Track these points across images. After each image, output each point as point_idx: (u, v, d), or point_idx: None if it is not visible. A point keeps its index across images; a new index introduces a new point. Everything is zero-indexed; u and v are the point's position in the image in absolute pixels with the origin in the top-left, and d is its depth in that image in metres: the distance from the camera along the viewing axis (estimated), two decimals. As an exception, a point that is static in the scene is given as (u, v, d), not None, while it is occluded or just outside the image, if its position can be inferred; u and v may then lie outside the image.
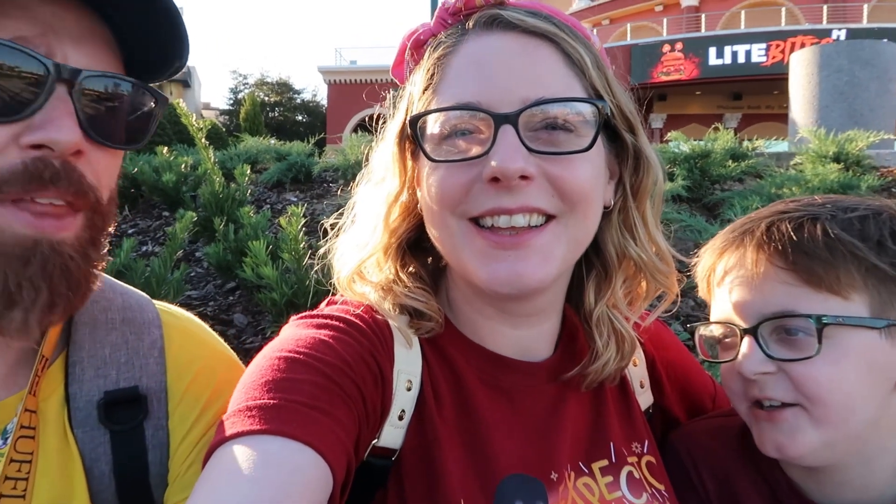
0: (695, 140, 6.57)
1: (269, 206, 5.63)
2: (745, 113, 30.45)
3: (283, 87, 45.45)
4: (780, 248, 0.99)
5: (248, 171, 4.93)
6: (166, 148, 6.22)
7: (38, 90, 0.74)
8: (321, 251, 1.08)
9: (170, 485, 0.95)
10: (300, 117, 44.45)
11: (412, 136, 0.95)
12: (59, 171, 0.76)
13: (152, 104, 0.89)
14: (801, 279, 0.97)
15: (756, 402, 1.01)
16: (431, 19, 1.00)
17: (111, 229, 0.90)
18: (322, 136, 8.17)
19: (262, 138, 8.08)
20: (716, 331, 1.08)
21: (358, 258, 1.01)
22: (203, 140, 4.39)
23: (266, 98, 43.36)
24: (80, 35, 0.80)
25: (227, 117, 40.53)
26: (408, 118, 0.96)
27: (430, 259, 1.07)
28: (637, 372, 1.15)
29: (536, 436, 0.98)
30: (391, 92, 1.06)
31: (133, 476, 0.92)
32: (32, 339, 0.81)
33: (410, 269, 1.03)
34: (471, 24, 0.94)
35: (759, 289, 1.01)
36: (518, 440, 0.97)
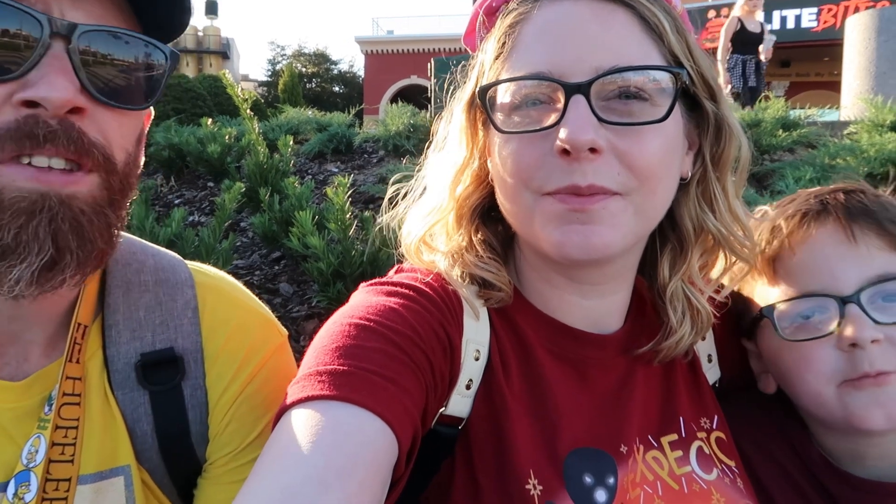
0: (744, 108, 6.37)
1: (311, 176, 5.66)
2: (793, 81, 29.36)
3: (321, 58, 45.50)
4: (869, 215, 1.01)
5: (291, 142, 4.96)
6: (210, 120, 6.29)
7: (33, 47, 0.72)
8: (383, 219, 1.08)
9: (210, 441, 0.97)
10: (337, 88, 44.53)
11: (482, 106, 0.93)
12: (55, 130, 0.73)
13: (161, 60, 0.85)
14: (893, 245, 0.99)
15: (851, 379, 0.98)
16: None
17: (133, 193, 0.88)
18: (361, 107, 8.15)
19: (302, 109, 8.10)
20: (805, 305, 1.02)
21: (425, 224, 1.01)
22: (248, 111, 4.42)
23: (304, 69, 43.48)
24: None
25: (265, 89, 40.81)
26: (477, 88, 0.94)
27: (499, 228, 1.06)
28: (705, 346, 1.12)
29: (606, 409, 0.97)
30: (459, 63, 1.04)
31: (175, 435, 0.94)
32: (28, 298, 0.77)
33: (480, 236, 1.02)
34: None
35: (856, 256, 1.00)
36: (587, 413, 0.96)
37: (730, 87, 8.77)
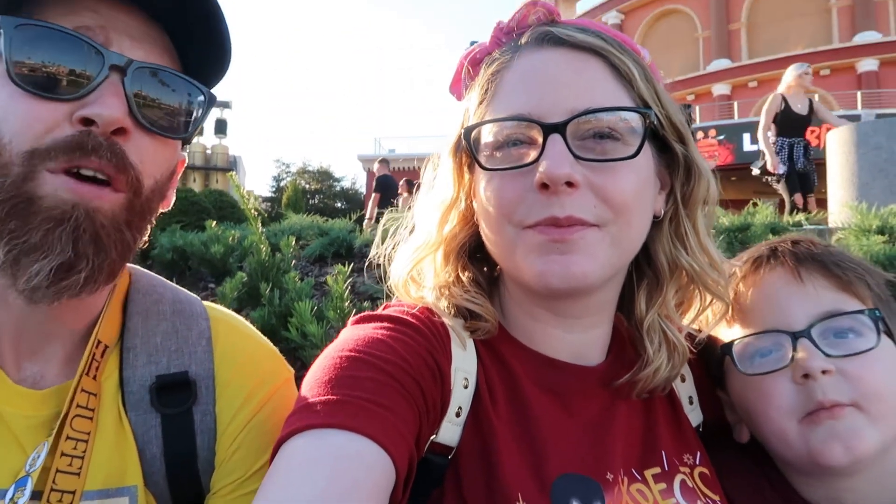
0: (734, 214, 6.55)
1: (312, 277, 5.74)
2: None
3: (324, 175, 47.15)
4: (815, 259, 1.09)
5: (293, 244, 5.08)
6: (214, 222, 6.46)
7: (94, 74, 0.84)
8: (375, 255, 1.13)
9: (216, 468, 0.99)
10: (339, 204, 45.80)
11: (467, 146, 1.00)
12: (101, 143, 0.83)
13: (200, 99, 0.96)
14: (839, 286, 1.06)
15: (809, 413, 1.01)
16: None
17: (153, 219, 0.96)
18: (361, 213, 8.40)
19: (305, 215, 8.34)
20: (761, 342, 1.08)
21: (413, 259, 1.06)
22: (252, 210, 4.57)
23: (307, 186, 44.92)
24: (140, 36, 0.90)
25: (269, 204, 41.91)
26: (462, 129, 1.01)
27: (485, 268, 1.11)
28: (685, 388, 1.15)
29: (590, 438, 0.99)
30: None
31: (182, 459, 0.97)
32: (45, 301, 0.84)
33: (468, 274, 1.07)
34: (523, 41, 1.00)
35: (805, 294, 1.07)
36: (572, 441, 0.97)
37: (778, 171, 7.94)
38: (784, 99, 7.93)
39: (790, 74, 8.05)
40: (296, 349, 3.40)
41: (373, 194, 13.46)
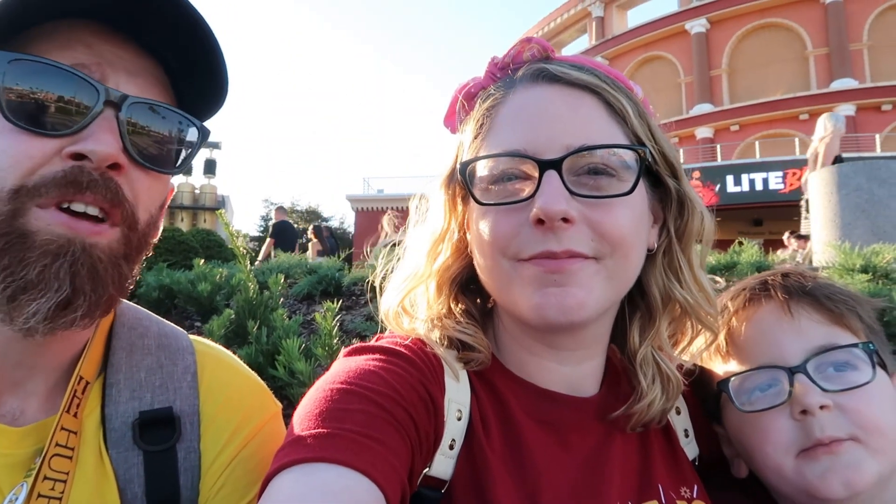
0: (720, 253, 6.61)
1: (300, 315, 5.70)
2: (766, 239, 30.62)
3: (312, 215, 47.30)
4: (806, 292, 1.09)
5: (282, 281, 5.06)
6: (202, 261, 6.42)
7: (88, 110, 0.83)
8: (372, 276, 1.13)
9: None
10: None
11: (462, 181, 1.01)
12: (96, 180, 0.82)
13: (194, 134, 0.96)
14: (831, 319, 1.06)
15: (807, 448, 1.01)
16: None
17: (148, 252, 0.95)
18: (350, 251, 8.41)
19: (292, 253, 8.35)
20: (758, 378, 1.08)
21: (403, 290, 1.06)
22: (241, 249, 4.55)
23: (296, 225, 44.97)
24: (135, 70, 0.89)
25: (256, 243, 41.85)
26: (458, 164, 1.02)
27: (478, 300, 1.11)
28: (681, 421, 1.14)
29: (586, 471, 0.98)
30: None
31: (164, 499, 0.93)
32: (40, 335, 0.82)
33: (461, 306, 1.07)
34: (518, 77, 1.01)
35: (796, 330, 1.07)
36: (567, 474, 0.96)
37: None
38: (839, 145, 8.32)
39: (834, 124, 8.56)
40: (283, 387, 3.35)
41: (268, 239, 14.46)
